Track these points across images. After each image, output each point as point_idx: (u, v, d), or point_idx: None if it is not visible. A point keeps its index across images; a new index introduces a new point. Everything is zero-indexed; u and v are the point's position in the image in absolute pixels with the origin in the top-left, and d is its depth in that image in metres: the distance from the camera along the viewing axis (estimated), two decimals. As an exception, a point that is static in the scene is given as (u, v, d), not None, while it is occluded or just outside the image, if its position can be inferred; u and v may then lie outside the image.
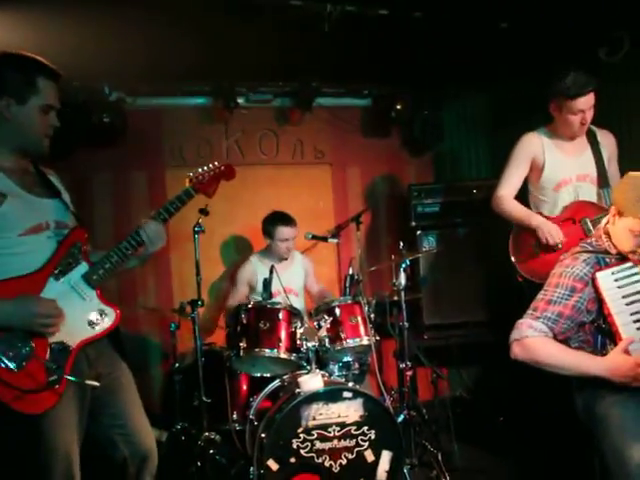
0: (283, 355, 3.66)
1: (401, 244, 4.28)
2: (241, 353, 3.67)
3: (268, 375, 3.89)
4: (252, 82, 5.17)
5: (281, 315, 3.76)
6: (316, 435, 3.24)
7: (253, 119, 5.39)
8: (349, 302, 3.91)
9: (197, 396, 3.94)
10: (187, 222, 3.98)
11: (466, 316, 4.98)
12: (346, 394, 3.30)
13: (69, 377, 2.28)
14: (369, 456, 3.30)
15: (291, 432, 3.22)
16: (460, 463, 3.97)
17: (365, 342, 3.79)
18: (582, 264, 2.53)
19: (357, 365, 4.01)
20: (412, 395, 4.28)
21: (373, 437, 3.31)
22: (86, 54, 3.72)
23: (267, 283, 3.94)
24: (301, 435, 3.22)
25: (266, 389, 3.75)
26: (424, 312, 5.05)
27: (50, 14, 3.40)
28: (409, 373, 4.15)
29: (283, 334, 3.71)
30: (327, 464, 3.25)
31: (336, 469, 3.26)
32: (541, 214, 3.79)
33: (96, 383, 2.36)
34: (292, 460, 3.21)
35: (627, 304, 2.45)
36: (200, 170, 2.76)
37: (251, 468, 3.25)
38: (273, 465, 3.17)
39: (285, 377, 3.77)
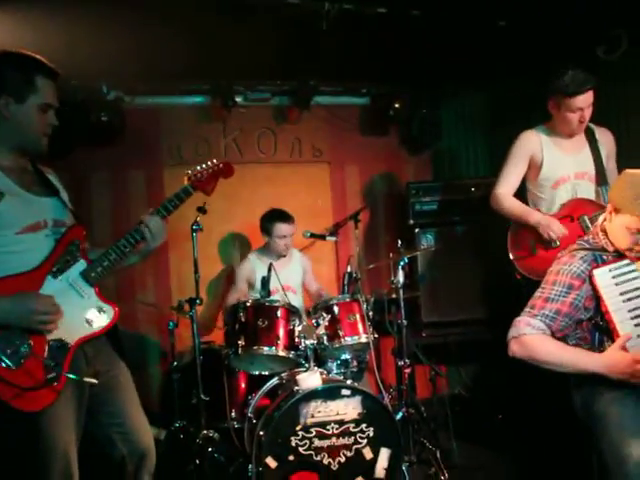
0: (281, 353, 3.66)
1: (399, 242, 4.28)
2: (239, 351, 3.66)
3: (266, 373, 3.89)
4: (250, 81, 5.18)
5: (279, 313, 3.76)
6: (314, 433, 3.24)
7: (251, 118, 5.39)
8: (347, 300, 3.90)
9: (195, 394, 3.94)
10: (185, 220, 3.99)
11: (464, 314, 4.98)
12: (344, 392, 3.30)
13: (68, 374, 2.29)
14: (367, 453, 3.30)
15: (289, 430, 3.21)
16: (458, 460, 3.97)
17: (363, 340, 3.78)
18: (579, 261, 2.53)
19: (355, 363, 4.02)
20: (410, 393, 4.28)
21: (371, 435, 3.31)
22: (84, 53, 3.71)
23: (265, 281, 3.94)
24: (299, 433, 3.22)
25: (264, 387, 3.75)
26: (422, 310, 5.05)
27: (49, 13, 3.40)
28: (407, 371, 4.15)
29: (281, 332, 3.71)
30: (326, 462, 3.25)
31: (335, 467, 3.26)
32: (539, 211, 3.79)
33: (94, 380, 2.36)
34: (291, 458, 3.20)
35: (624, 301, 2.45)
36: (198, 168, 2.76)
37: (250, 466, 3.24)
38: (272, 463, 3.16)
39: (283, 375, 3.77)
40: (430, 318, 5.05)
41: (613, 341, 2.43)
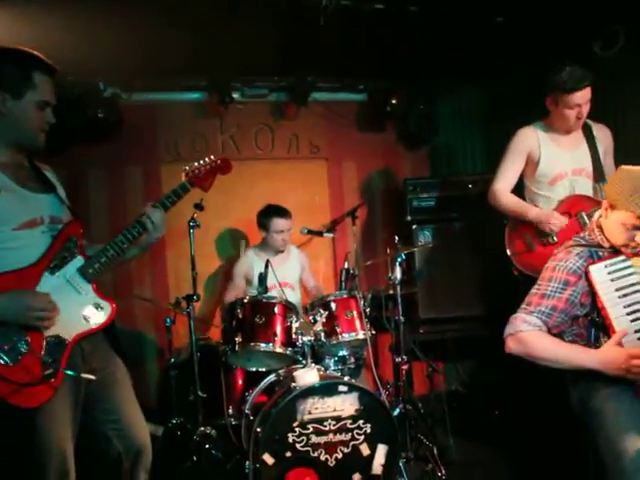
0: (278, 349, 3.66)
1: (397, 238, 4.28)
2: (237, 348, 3.66)
3: (264, 369, 3.89)
4: (247, 77, 5.17)
5: (276, 309, 3.76)
6: (312, 429, 3.24)
7: (248, 114, 5.39)
8: (345, 296, 3.90)
9: (193, 391, 3.95)
10: (183, 217, 3.99)
11: (462, 310, 4.98)
12: (342, 388, 3.30)
13: (65, 371, 2.29)
14: (365, 450, 3.30)
15: (287, 426, 3.22)
16: (456, 457, 3.97)
17: (361, 336, 3.78)
18: (575, 258, 2.54)
19: (353, 359, 4.01)
20: (408, 389, 4.29)
21: (369, 431, 3.31)
22: (81, 49, 3.71)
23: (262, 277, 3.94)
24: (297, 429, 3.22)
25: (262, 383, 3.75)
26: (420, 306, 5.05)
27: (46, 9, 3.40)
28: (405, 367, 4.15)
29: (279, 328, 3.71)
30: (323, 458, 3.25)
31: (332, 463, 3.26)
32: (537, 208, 3.79)
33: (92, 376, 2.36)
34: (288, 454, 3.20)
35: (620, 297, 2.46)
36: (196, 164, 2.76)
37: (247, 462, 3.24)
38: (269, 459, 3.16)
39: (281, 371, 3.77)
40: (427, 314, 5.05)
41: (609, 337, 2.44)
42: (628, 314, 2.44)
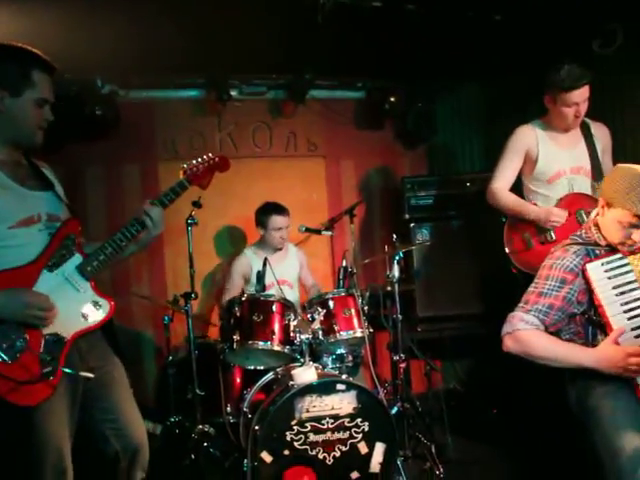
0: (276, 347, 3.66)
1: (395, 236, 4.29)
2: (235, 346, 3.66)
3: (262, 368, 3.88)
4: (245, 74, 5.16)
5: (274, 307, 3.76)
6: (310, 427, 3.24)
7: (246, 111, 5.38)
8: (343, 294, 3.90)
9: (191, 389, 3.95)
10: (180, 215, 3.98)
11: (460, 308, 4.98)
12: (340, 386, 3.30)
13: (64, 369, 2.28)
14: (363, 448, 3.30)
15: (285, 424, 3.21)
16: (453, 455, 3.97)
17: (359, 334, 3.78)
18: (572, 256, 2.55)
19: (351, 357, 4.01)
20: (406, 387, 4.28)
21: (367, 429, 3.31)
22: (78, 47, 3.69)
23: (260, 275, 3.93)
24: (295, 427, 3.22)
25: (260, 382, 3.75)
26: (418, 304, 5.05)
27: (43, 6, 3.38)
28: (403, 365, 4.16)
29: (276, 326, 3.71)
30: (321, 456, 3.25)
31: (330, 461, 3.26)
32: (535, 205, 3.79)
33: (90, 374, 2.37)
34: (286, 452, 3.20)
35: (617, 295, 2.47)
36: (194, 162, 2.75)
37: (245, 460, 3.24)
38: (267, 457, 3.16)
39: (279, 370, 3.77)
40: (425, 313, 5.05)
41: (606, 335, 2.45)
42: (625, 312, 2.45)
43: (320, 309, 3.80)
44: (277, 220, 4.43)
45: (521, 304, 2.58)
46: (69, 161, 4.54)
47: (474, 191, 4.92)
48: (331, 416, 3.27)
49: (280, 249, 4.55)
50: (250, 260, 4.53)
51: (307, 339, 3.64)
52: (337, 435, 3.28)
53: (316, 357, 3.82)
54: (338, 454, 3.27)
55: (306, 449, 3.23)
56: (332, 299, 3.86)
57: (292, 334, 3.70)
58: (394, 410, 4.00)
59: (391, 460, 3.35)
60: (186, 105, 5.29)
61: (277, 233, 4.45)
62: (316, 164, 5.65)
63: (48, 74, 2.41)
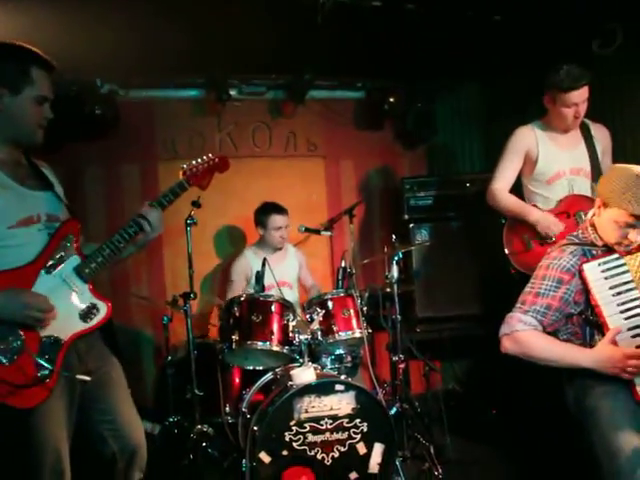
0: (275, 348, 3.65)
1: (394, 237, 4.29)
2: (234, 346, 3.66)
3: (260, 368, 3.88)
4: (245, 74, 5.16)
5: (274, 308, 3.75)
6: (308, 428, 3.24)
7: (246, 111, 5.37)
8: (342, 295, 3.90)
9: (190, 389, 3.95)
10: (180, 215, 3.98)
11: (459, 309, 4.98)
12: (338, 387, 3.30)
13: (60, 372, 2.28)
14: (361, 449, 3.30)
15: (283, 425, 3.21)
16: (452, 456, 3.97)
17: (358, 335, 3.78)
18: (569, 256, 2.55)
19: (349, 358, 4.02)
20: (405, 388, 4.28)
21: (365, 430, 3.30)
22: (78, 46, 3.69)
23: (259, 276, 3.93)
24: (293, 428, 3.21)
25: (259, 382, 3.74)
26: (417, 305, 5.05)
27: (42, 6, 3.38)
28: (402, 366, 4.16)
29: (275, 327, 3.70)
30: (319, 457, 3.25)
31: (328, 462, 3.25)
32: (535, 207, 3.79)
33: (87, 377, 2.36)
34: (284, 453, 3.20)
35: (614, 295, 2.48)
36: (194, 162, 2.75)
37: (243, 461, 3.23)
38: (265, 458, 3.16)
39: (277, 370, 3.77)
40: (424, 313, 5.05)
41: (603, 335, 2.45)
42: (622, 312, 2.46)
43: (319, 309, 3.80)
44: (277, 219, 4.44)
45: (518, 305, 2.58)
46: (68, 161, 4.54)
47: (474, 192, 4.92)
48: (330, 417, 3.27)
49: (280, 249, 4.55)
50: (250, 261, 4.53)
51: (306, 339, 3.64)
52: (336, 436, 3.27)
53: (315, 357, 3.81)
54: (337, 455, 3.27)
55: (305, 449, 3.23)
56: (331, 299, 3.86)
57: (291, 334, 3.70)
58: (393, 411, 4.01)
59: (390, 461, 3.34)
60: (186, 105, 5.28)
61: (277, 232, 4.45)
62: (316, 164, 5.65)
63: (47, 72, 2.41)
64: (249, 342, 3.66)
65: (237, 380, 4.08)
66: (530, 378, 3.69)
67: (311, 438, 3.24)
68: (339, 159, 5.69)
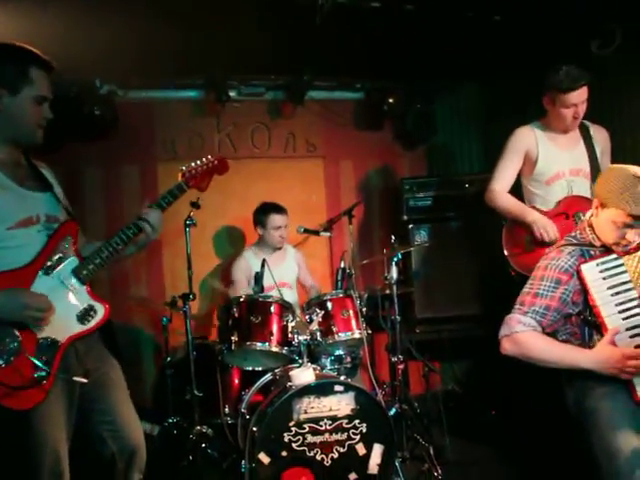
0: (274, 349, 3.66)
1: (393, 238, 4.29)
2: (233, 347, 3.65)
3: (260, 369, 3.88)
4: (244, 75, 5.15)
5: (273, 309, 3.75)
6: (308, 429, 3.24)
7: (245, 112, 5.37)
8: (341, 296, 3.90)
9: (189, 390, 3.95)
10: (179, 216, 3.97)
11: (458, 310, 4.98)
12: (338, 388, 3.30)
13: (56, 374, 2.27)
14: (360, 449, 3.30)
15: (283, 426, 3.21)
16: (452, 456, 3.97)
17: (357, 336, 3.78)
18: (567, 256, 2.55)
19: (349, 359, 4.02)
20: (404, 389, 4.28)
21: (365, 430, 3.30)
22: (77, 47, 3.68)
23: (259, 277, 3.93)
24: (293, 429, 3.21)
25: (258, 383, 3.74)
26: (416, 306, 5.05)
27: (41, 6, 3.38)
28: (401, 367, 4.16)
29: (275, 327, 3.70)
30: (319, 457, 3.24)
31: (328, 462, 3.25)
32: (534, 207, 3.79)
33: (84, 380, 2.36)
34: (284, 454, 3.20)
35: (612, 295, 2.48)
36: (193, 164, 2.75)
37: (243, 462, 3.24)
38: (265, 459, 3.16)
39: (277, 371, 3.77)
40: (424, 314, 5.05)
41: (602, 335, 2.46)
42: (620, 312, 2.46)
43: (318, 310, 3.79)
44: (276, 219, 4.44)
45: (517, 306, 2.58)
46: (68, 161, 4.53)
47: (473, 192, 4.92)
48: (329, 417, 3.27)
49: (279, 249, 4.55)
50: (249, 262, 4.52)
51: (305, 340, 3.64)
52: (335, 436, 3.27)
53: (314, 358, 3.81)
54: (336, 455, 3.27)
55: (304, 450, 3.23)
56: (330, 300, 3.86)
57: (290, 335, 3.70)
58: (392, 411, 4.01)
59: (389, 461, 3.34)
60: (185, 106, 5.29)
61: (276, 232, 4.45)
62: (315, 165, 5.65)
63: (46, 72, 2.41)
64: (248, 343, 3.66)
65: (236, 381, 4.08)
66: (530, 379, 3.68)
67: (310, 439, 3.24)
68: (338, 160, 5.69)
